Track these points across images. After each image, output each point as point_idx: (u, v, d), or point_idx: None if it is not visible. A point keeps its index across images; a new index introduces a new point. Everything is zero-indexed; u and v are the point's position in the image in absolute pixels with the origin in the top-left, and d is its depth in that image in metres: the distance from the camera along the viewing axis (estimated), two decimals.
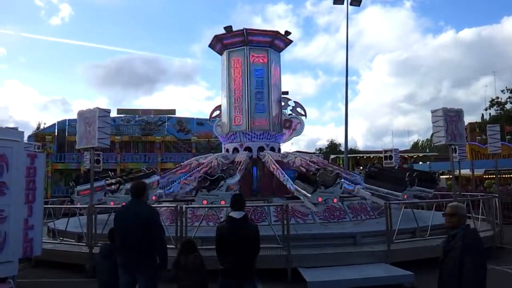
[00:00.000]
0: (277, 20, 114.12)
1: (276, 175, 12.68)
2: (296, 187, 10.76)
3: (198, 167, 13.48)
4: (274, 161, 13.08)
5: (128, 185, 10.69)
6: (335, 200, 10.33)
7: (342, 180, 10.89)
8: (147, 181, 11.03)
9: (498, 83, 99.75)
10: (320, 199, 9.86)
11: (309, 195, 9.98)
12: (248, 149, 14.34)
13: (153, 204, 10.90)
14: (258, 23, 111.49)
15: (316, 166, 12.18)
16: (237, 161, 13.35)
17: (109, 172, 14.97)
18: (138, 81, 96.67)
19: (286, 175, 12.01)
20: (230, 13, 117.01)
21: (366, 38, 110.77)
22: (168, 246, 5.18)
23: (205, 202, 9.81)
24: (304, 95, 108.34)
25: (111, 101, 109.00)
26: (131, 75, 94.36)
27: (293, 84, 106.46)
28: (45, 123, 48.93)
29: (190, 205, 10.41)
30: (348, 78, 26.31)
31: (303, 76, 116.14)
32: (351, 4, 26.50)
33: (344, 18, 26.68)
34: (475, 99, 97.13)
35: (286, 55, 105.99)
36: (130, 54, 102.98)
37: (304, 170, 12.15)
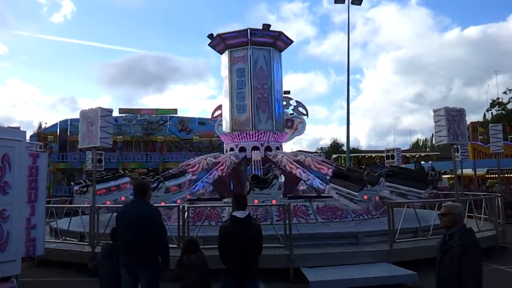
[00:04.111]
0: (292, 18, 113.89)
1: (296, 174, 12.63)
2: (333, 185, 10.83)
3: (215, 166, 13.32)
4: (291, 161, 13.06)
5: (168, 183, 10.62)
6: (377, 198, 10.75)
7: (383, 179, 11.35)
8: (182, 179, 11.09)
9: (510, 81, 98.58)
10: (365, 197, 10.12)
11: (355, 193, 10.14)
12: (256, 148, 14.31)
13: (186, 202, 10.95)
14: (272, 22, 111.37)
15: (321, 167, 12.20)
16: (255, 160, 13.34)
17: (121, 170, 14.98)
18: (147, 81, 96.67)
19: (311, 174, 12.06)
20: (245, 12, 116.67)
21: (379, 37, 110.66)
22: (170, 245, 5.19)
23: (256, 201, 9.70)
24: (316, 93, 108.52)
25: (120, 100, 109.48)
26: (140, 74, 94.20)
27: (306, 82, 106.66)
28: (46, 123, 49.07)
29: (192, 205, 10.41)
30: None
31: (315, 74, 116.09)
32: (352, 3, 26.51)
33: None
34: (485, 98, 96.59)
35: (300, 53, 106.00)
36: (140, 53, 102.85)
37: (329, 169, 12.20)
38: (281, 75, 15.87)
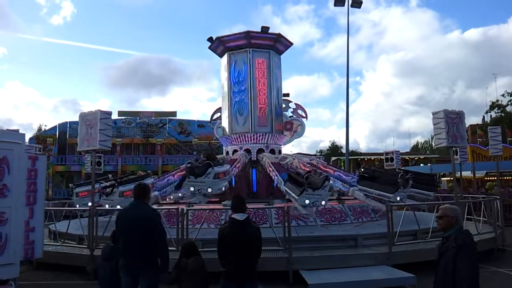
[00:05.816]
0: (297, 21, 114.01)
1: (272, 177, 12.65)
2: (286, 189, 10.56)
3: None
4: (270, 163, 13.03)
5: (122, 188, 10.71)
6: (322, 203, 9.89)
7: (332, 182, 10.47)
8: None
9: None
10: (307, 202, 9.52)
11: (297, 197, 9.69)
12: (248, 151, 14.36)
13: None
14: (277, 24, 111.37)
15: (307, 169, 12.09)
16: (233, 159, 13.35)
17: (109, 175, 14.99)
18: (150, 83, 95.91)
19: (280, 177, 11.92)
20: (250, 14, 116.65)
21: (384, 40, 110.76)
22: (169, 248, 5.18)
23: (192, 188, 9.78)
24: (320, 96, 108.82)
25: (122, 103, 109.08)
26: (142, 77, 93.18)
27: (309, 85, 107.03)
28: (45, 125, 49.10)
29: (191, 207, 10.40)
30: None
31: (319, 77, 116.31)
32: (351, 6, 26.57)
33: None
34: (487, 100, 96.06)
35: (304, 56, 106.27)
36: (142, 56, 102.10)
37: (301, 171, 12.08)
38: (280, 78, 15.94)
